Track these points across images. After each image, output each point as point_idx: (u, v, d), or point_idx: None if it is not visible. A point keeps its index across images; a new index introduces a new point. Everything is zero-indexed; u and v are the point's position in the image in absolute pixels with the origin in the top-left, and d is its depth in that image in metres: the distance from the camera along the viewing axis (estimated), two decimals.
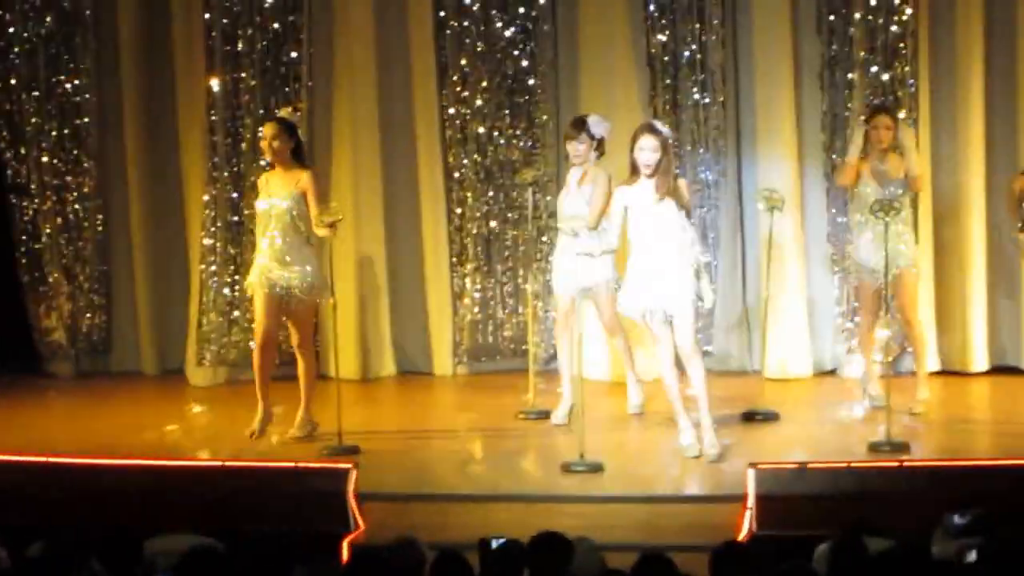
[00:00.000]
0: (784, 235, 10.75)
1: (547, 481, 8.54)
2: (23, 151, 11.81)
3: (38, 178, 11.81)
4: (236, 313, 11.36)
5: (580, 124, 9.62)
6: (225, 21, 11.38)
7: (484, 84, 11.44)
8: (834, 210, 10.98)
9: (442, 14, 11.43)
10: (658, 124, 8.96)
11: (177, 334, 11.84)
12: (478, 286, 11.60)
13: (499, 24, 11.43)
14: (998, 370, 11.05)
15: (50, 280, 11.89)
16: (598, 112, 9.90)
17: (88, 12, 11.76)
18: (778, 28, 11.02)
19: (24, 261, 11.91)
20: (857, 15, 10.81)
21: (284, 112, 9.66)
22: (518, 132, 11.50)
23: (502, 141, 11.50)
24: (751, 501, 7.76)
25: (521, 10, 11.43)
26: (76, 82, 11.78)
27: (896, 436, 8.70)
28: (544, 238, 11.15)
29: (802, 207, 11.09)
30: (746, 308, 11.28)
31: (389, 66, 11.54)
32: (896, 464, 8.20)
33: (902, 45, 10.77)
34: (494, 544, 6.10)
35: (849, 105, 10.87)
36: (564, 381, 9.81)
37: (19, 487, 8.34)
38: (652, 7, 11.04)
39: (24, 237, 11.89)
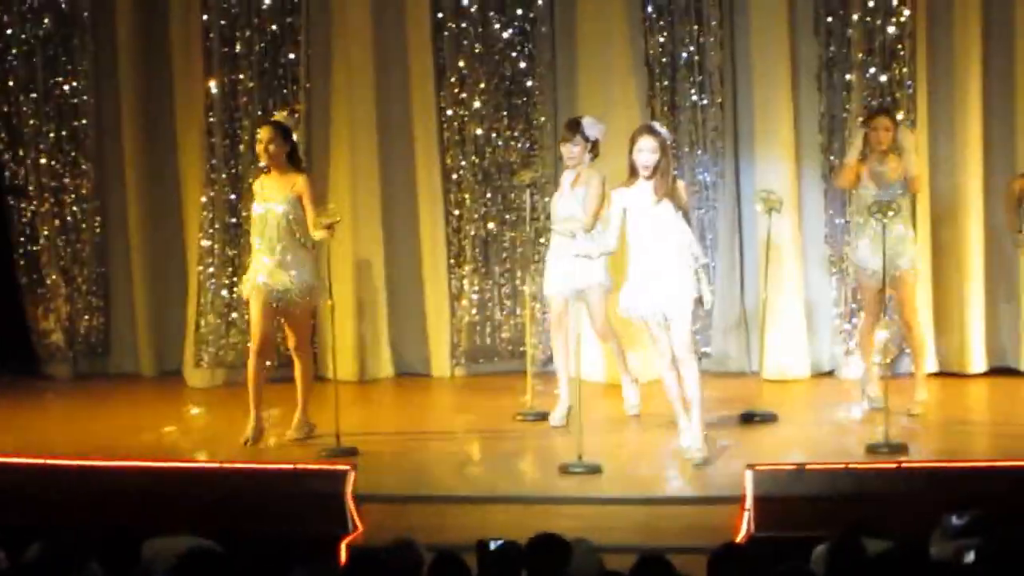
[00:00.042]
0: (782, 236, 10.74)
1: (545, 483, 8.54)
2: (21, 153, 11.80)
3: (36, 180, 11.81)
4: (234, 315, 11.35)
5: (574, 126, 9.61)
6: (223, 23, 11.38)
7: (482, 86, 11.44)
8: (832, 211, 10.99)
9: (440, 16, 11.43)
10: (657, 126, 8.96)
11: (175, 336, 11.84)
12: (476, 288, 11.60)
13: (497, 26, 11.43)
14: (996, 371, 11.05)
15: (48, 282, 11.88)
16: (596, 114, 9.91)
17: (86, 14, 11.75)
18: (776, 29, 11.02)
19: (22, 263, 11.90)
20: (855, 16, 10.81)
21: (280, 115, 9.66)
22: (516, 134, 11.50)
23: (500, 143, 11.50)
24: (749, 502, 7.76)
25: (519, 12, 11.43)
26: (74, 84, 11.77)
27: (894, 437, 8.70)
28: (542, 240, 11.12)
29: (800, 208, 11.09)
30: (744, 309, 11.28)
31: (387, 67, 11.54)
32: (894, 465, 8.20)
33: (900, 46, 10.77)
34: (492, 546, 6.10)
35: (847, 106, 10.87)
36: (561, 383, 9.81)
37: (17, 488, 8.34)
38: (650, 9, 11.04)
39: (22, 239, 11.88)
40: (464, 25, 11.41)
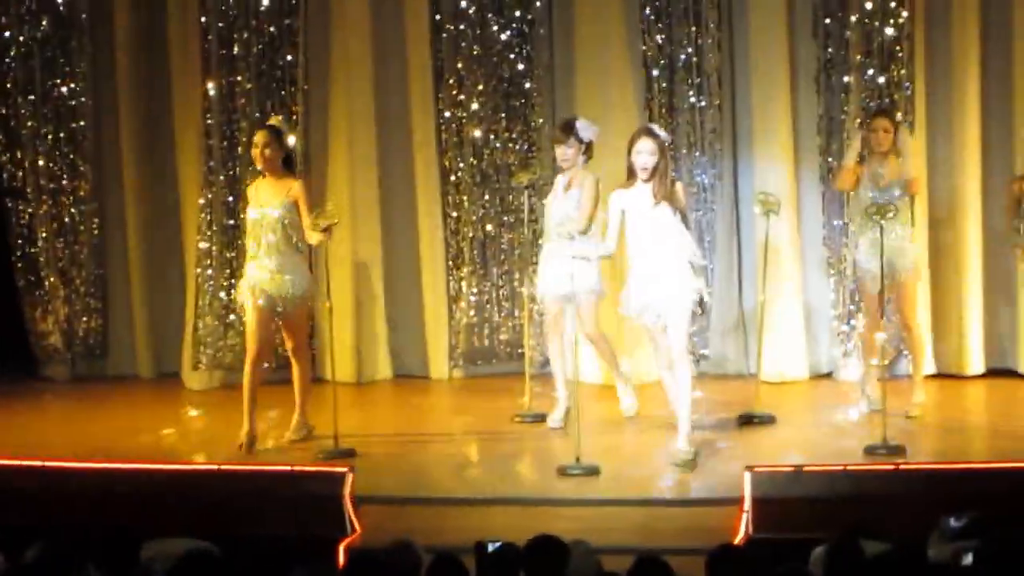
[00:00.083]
0: (780, 238, 10.74)
1: (543, 484, 8.54)
2: (19, 155, 11.80)
3: (34, 182, 11.81)
4: (232, 317, 11.34)
5: (568, 128, 9.58)
6: (221, 25, 11.38)
7: (480, 87, 11.44)
8: (830, 213, 10.98)
9: (438, 17, 11.42)
10: (655, 128, 8.97)
11: (173, 337, 11.83)
12: (474, 289, 11.59)
13: (495, 27, 11.43)
14: (994, 373, 11.04)
15: (46, 284, 11.88)
16: (594, 116, 9.90)
17: (84, 15, 11.75)
18: (774, 31, 11.02)
19: (20, 265, 11.90)
20: (853, 18, 10.80)
21: (276, 120, 9.66)
22: (514, 135, 11.49)
23: (498, 144, 11.49)
24: (747, 504, 7.76)
25: (517, 13, 11.42)
26: (72, 85, 11.77)
27: (892, 439, 8.70)
28: (540, 241, 11.13)
29: (798, 210, 11.09)
30: (742, 311, 11.27)
31: (385, 60, 11.52)
32: (892, 467, 8.20)
33: (898, 48, 10.77)
34: (490, 547, 6.10)
35: (845, 108, 10.87)
36: (558, 385, 9.81)
37: (16, 490, 8.34)
38: (648, 10, 11.03)
39: (20, 241, 11.88)
40: (462, 27, 11.40)
